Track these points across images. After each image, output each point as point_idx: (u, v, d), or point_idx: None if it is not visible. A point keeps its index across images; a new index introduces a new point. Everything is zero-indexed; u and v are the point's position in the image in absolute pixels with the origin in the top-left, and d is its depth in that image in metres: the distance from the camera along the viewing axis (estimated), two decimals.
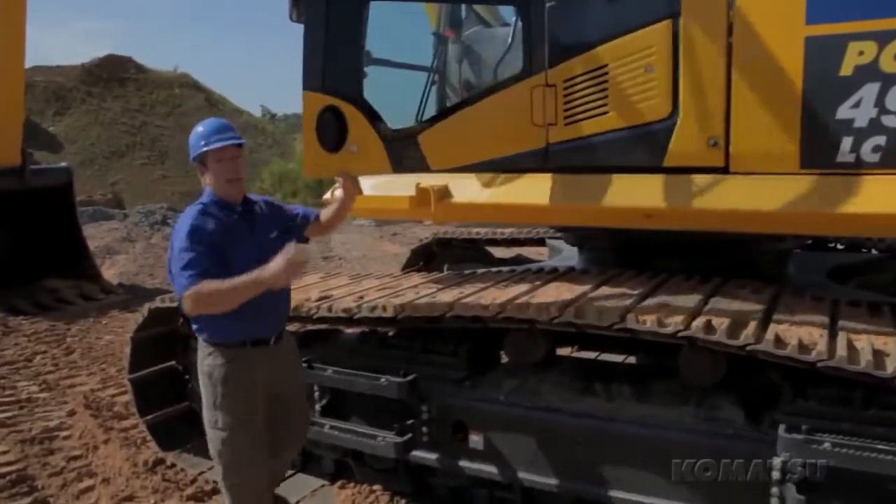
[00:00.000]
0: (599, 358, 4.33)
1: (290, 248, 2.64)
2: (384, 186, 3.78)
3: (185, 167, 29.04)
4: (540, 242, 6.74)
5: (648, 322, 2.77)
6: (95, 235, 13.96)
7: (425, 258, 7.22)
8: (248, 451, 2.92)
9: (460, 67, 3.80)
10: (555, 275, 3.71)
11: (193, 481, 4.03)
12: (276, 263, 2.60)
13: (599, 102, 3.15)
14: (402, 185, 3.62)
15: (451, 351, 3.52)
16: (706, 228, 3.15)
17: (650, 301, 3.05)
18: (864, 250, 5.33)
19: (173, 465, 4.20)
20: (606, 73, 3.11)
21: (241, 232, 2.89)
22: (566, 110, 3.22)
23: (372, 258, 12.10)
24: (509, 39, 3.34)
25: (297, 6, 3.57)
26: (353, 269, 10.94)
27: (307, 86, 3.46)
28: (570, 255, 4.95)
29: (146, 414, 4.38)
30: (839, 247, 5.35)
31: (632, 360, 4.61)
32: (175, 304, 4.08)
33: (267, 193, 31.54)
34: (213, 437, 2.96)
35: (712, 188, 2.98)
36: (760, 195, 2.91)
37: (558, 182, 3.29)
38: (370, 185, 3.88)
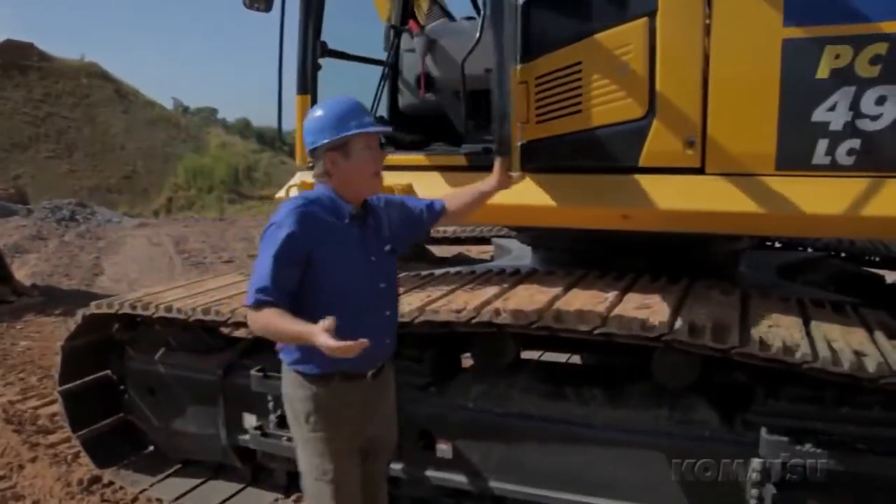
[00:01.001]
0: (542, 358, 4.29)
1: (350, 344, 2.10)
2: None
3: (95, 161, 27.73)
4: (483, 241, 6.67)
5: (633, 325, 2.72)
6: (2, 233, 13.12)
7: None
8: (336, 495, 2.49)
9: (423, 61, 3.66)
10: (520, 277, 3.62)
11: (135, 500, 3.77)
12: (328, 341, 2.06)
13: (573, 101, 3.08)
14: None
15: (415, 356, 3.40)
16: (682, 230, 3.13)
17: (626, 304, 3.01)
18: (801, 249, 5.48)
19: (111, 484, 3.91)
20: (580, 71, 3.04)
21: (347, 244, 2.41)
22: (538, 108, 3.14)
23: None
24: (477, 34, 3.22)
25: None
26: None
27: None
28: (520, 255, 4.88)
29: (79, 428, 4.07)
30: (777, 245, 5.48)
31: (575, 359, 4.61)
32: (111, 311, 3.82)
33: (180, 189, 30.49)
34: (303, 477, 2.59)
35: (688, 189, 2.95)
36: (736, 196, 2.89)
37: (530, 182, 3.20)
38: None
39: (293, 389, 2.49)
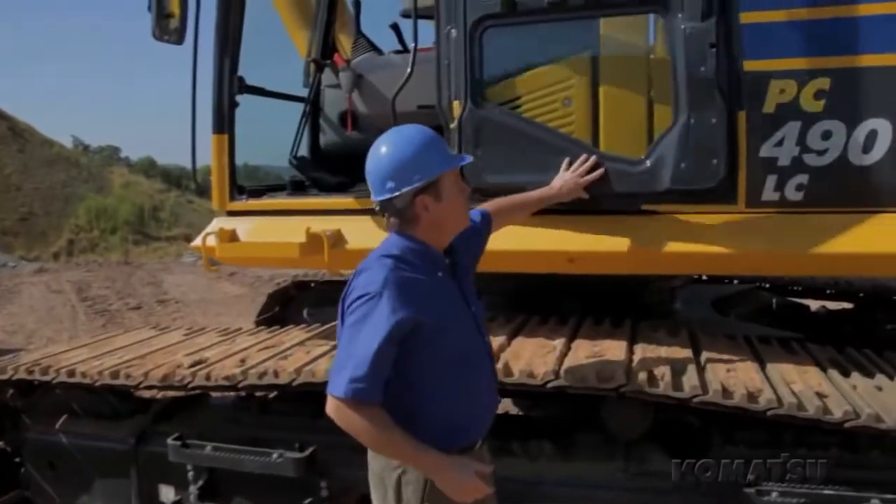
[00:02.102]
0: None
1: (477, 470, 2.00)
2: (266, 231, 3.32)
3: None
4: None
5: (588, 378, 2.55)
6: None
7: (282, 303, 6.70)
8: None
9: (350, 97, 3.45)
10: None
11: None
12: (459, 479, 1.94)
13: None
14: (288, 230, 3.19)
15: None
16: (631, 272, 3.00)
17: (577, 353, 2.85)
18: (727, 281, 5.49)
19: None
20: (520, 107, 2.89)
21: (451, 301, 2.07)
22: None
23: (212, 300, 11.27)
24: (408, 69, 3.04)
25: (161, 22, 3.10)
26: (193, 314, 10.11)
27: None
28: None
29: None
30: (704, 277, 5.47)
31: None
32: (3, 377, 3.42)
33: (82, 231, 29.05)
34: None
35: (637, 229, 2.83)
36: (685, 235, 2.79)
37: None
38: (246, 229, 3.41)
39: (403, 472, 2.09)
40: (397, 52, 3.65)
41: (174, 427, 3.35)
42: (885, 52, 2.57)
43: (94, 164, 36.20)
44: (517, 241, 2.88)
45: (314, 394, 3.08)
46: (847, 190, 2.64)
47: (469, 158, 2.16)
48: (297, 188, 3.60)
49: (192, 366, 3.14)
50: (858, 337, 4.36)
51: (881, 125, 2.58)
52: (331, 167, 3.89)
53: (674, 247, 2.79)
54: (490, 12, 2.78)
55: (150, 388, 3.19)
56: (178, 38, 3.26)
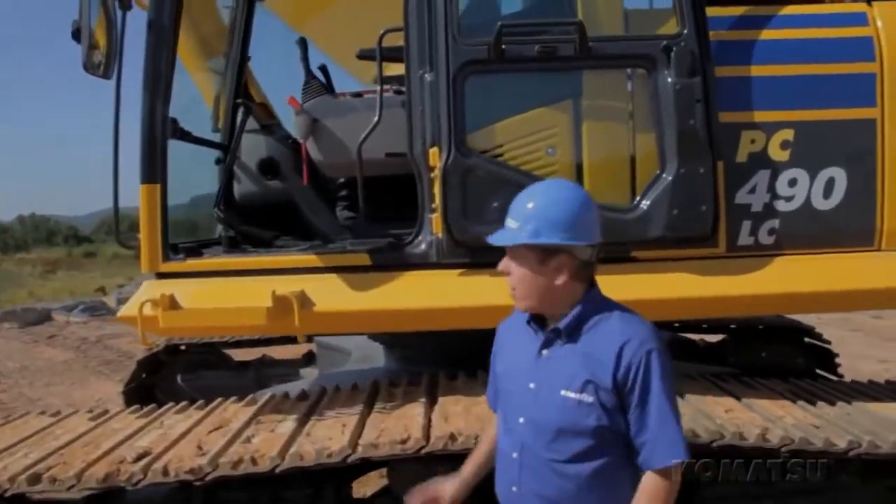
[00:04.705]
0: None
1: None
2: (216, 295, 2.91)
3: None
4: (291, 340, 6.05)
5: None
6: None
7: (150, 370, 6.05)
8: None
9: (306, 142, 3.18)
10: (412, 389, 3.20)
11: None
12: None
13: None
14: (249, 294, 2.84)
15: (312, 495, 2.88)
16: None
17: None
18: None
19: None
20: (501, 155, 2.82)
21: (524, 352, 1.83)
22: None
23: (36, 369, 9.93)
24: (375, 116, 2.87)
25: (90, 54, 2.74)
26: (19, 386, 8.85)
27: None
28: (367, 356, 4.39)
29: None
30: None
31: None
32: None
33: None
34: None
35: (616, 277, 2.83)
36: (668, 281, 2.85)
37: (448, 281, 2.87)
38: (188, 293, 2.96)
39: None
40: (356, 94, 3.43)
41: None
42: (838, 108, 2.81)
43: None
44: (489, 297, 2.75)
45: (271, 478, 2.76)
46: (813, 233, 2.84)
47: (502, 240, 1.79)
48: (233, 244, 3.26)
49: (137, 459, 2.69)
50: (740, 366, 4.68)
51: (838, 173, 2.81)
52: (244, 218, 3.55)
53: (656, 293, 2.82)
54: (476, 58, 2.71)
55: (86, 490, 2.70)
56: (105, 71, 2.87)
